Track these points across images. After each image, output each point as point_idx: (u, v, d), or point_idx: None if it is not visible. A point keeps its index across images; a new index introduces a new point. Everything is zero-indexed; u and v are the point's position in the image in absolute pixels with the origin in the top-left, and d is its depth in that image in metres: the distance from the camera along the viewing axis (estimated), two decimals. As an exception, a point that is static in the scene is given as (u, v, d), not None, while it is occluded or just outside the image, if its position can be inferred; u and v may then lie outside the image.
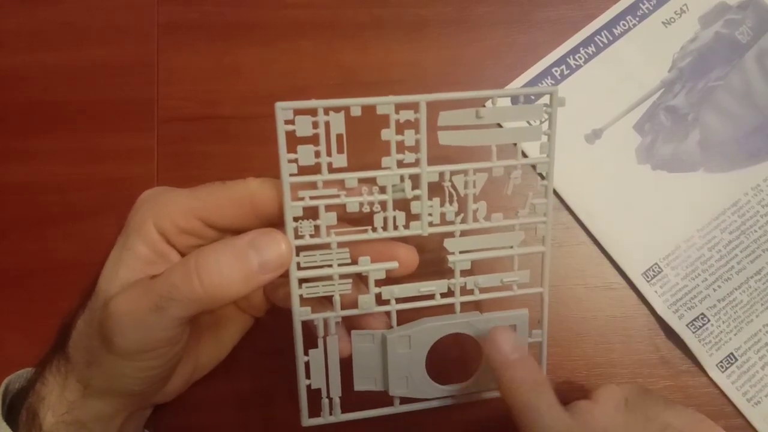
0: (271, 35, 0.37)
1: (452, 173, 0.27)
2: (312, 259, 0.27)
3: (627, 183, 0.37)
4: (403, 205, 0.27)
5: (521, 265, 0.29)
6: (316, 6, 0.38)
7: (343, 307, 0.28)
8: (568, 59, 0.38)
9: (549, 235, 0.29)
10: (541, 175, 0.29)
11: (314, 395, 0.29)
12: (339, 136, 0.26)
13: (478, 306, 0.30)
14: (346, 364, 0.29)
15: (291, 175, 0.26)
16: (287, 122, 0.25)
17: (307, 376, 0.28)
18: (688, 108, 0.38)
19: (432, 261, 0.31)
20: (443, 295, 0.29)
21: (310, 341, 0.28)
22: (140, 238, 0.27)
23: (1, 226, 0.36)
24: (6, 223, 0.36)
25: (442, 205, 0.28)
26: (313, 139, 0.26)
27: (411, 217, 0.28)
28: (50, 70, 0.37)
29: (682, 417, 0.28)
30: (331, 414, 0.29)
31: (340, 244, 0.27)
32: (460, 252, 0.29)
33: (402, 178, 0.27)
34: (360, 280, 0.29)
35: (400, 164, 0.27)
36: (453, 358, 0.31)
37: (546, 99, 0.28)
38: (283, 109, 0.25)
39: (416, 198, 0.27)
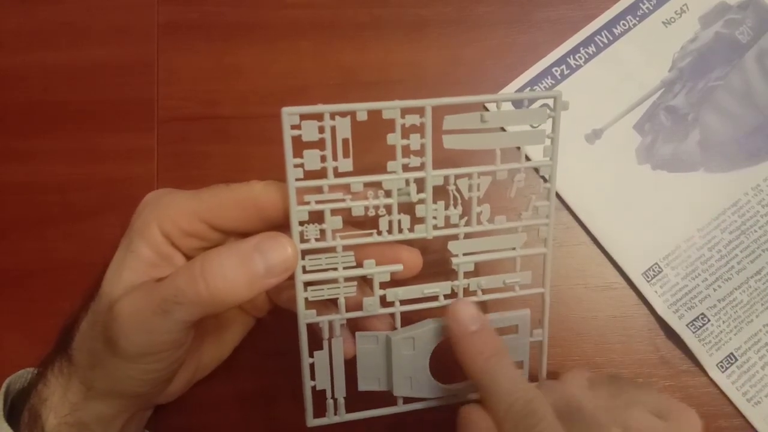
0: (271, 35, 0.37)
1: (457, 177, 0.27)
2: (317, 263, 0.27)
3: (627, 183, 0.37)
4: (407, 208, 0.27)
5: (523, 266, 0.30)
6: (316, 6, 0.38)
7: (347, 310, 0.28)
8: (568, 59, 0.38)
9: (551, 237, 0.29)
10: (543, 178, 0.29)
11: (319, 396, 0.29)
12: (345, 141, 0.26)
13: (480, 307, 0.30)
14: (350, 365, 0.29)
15: (297, 179, 0.26)
16: (293, 127, 0.25)
17: (312, 378, 0.28)
18: (688, 108, 0.38)
19: (435, 263, 0.31)
20: (447, 297, 0.29)
21: (315, 343, 0.28)
22: (144, 241, 0.27)
23: (1, 226, 0.36)
24: (6, 223, 0.36)
25: (446, 208, 0.28)
26: (319, 144, 0.26)
27: (416, 220, 0.28)
28: (50, 70, 0.37)
29: (653, 396, 0.28)
30: (335, 414, 0.29)
31: (346, 248, 0.27)
32: (464, 254, 0.29)
33: (407, 182, 0.27)
34: (364, 282, 0.29)
35: (406, 168, 0.27)
36: (456, 358, 0.31)
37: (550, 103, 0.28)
38: (290, 114, 0.25)
39: (421, 201, 0.27)
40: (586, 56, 0.38)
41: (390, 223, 0.27)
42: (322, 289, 0.27)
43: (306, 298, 0.27)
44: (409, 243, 0.29)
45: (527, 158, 0.28)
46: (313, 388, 0.28)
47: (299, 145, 0.25)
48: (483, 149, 0.28)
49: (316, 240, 0.27)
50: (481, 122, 0.27)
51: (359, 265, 0.28)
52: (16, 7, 0.37)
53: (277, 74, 0.37)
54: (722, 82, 0.38)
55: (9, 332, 0.35)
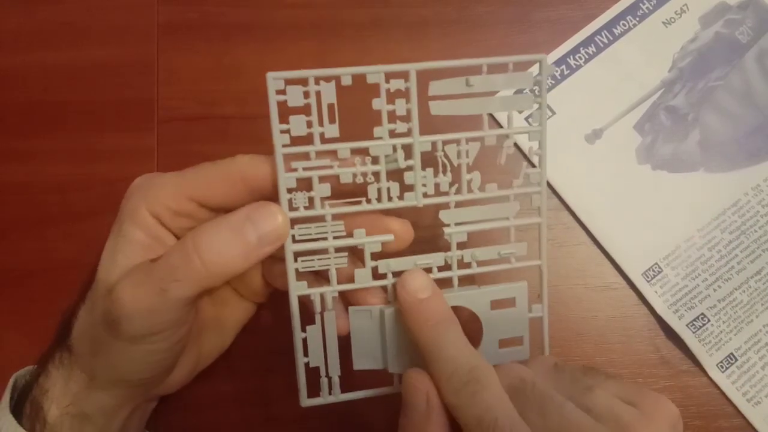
0: (271, 35, 0.37)
1: (444, 143, 0.27)
2: (307, 232, 0.27)
3: (627, 183, 0.37)
4: (397, 176, 0.27)
5: (518, 238, 0.29)
6: (316, 6, 0.38)
7: (339, 284, 0.28)
8: (568, 59, 0.38)
9: (545, 206, 0.29)
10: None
11: (313, 375, 0.28)
12: (330, 106, 0.26)
13: (475, 280, 0.30)
14: (346, 347, 0.29)
15: (284, 146, 0.26)
16: (278, 92, 0.25)
17: (305, 354, 0.28)
18: (688, 108, 0.38)
19: (427, 239, 0.30)
20: (440, 269, 0.28)
21: (308, 320, 0.28)
22: (135, 224, 0.27)
23: (1, 226, 0.36)
24: (6, 223, 0.36)
25: (435, 175, 0.27)
26: (305, 110, 0.26)
27: (405, 188, 0.27)
28: (50, 70, 0.37)
29: (623, 385, 0.26)
30: (330, 394, 0.28)
31: (335, 217, 0.27)
32: (456, 224, 0.28)
33: (394, 148, 0.27)
34: (355, 256, 0.29)
35: (393, 134, 0.27)
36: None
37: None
38: (275, 78, 0.25)
39: (409, 168, 0.27)
40: (586, 56, 0.38)
41: (379, 191, 0.27)
42: (313, 260, 0.27)
43: (297, 269, 0.27)
44: (399, 212, 0.28)
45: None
46: (307, 365, 0.28)
47: (285, 112, 0.26)
48: (470, 115, 0.27)
49: (305, 208, 0.27)
50: (467, 86, 0.27)
51: (349, 235, 0.27)
52: (16, 7, 0.37)
53: (277, 74, 0.37)
54: (722, 82, 0.38)
55: (9, 332, 0.35)
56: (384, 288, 0.29)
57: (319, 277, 0.29)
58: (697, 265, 0.36)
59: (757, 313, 0.36)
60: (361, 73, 0.26)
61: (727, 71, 0.38)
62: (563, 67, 0.38)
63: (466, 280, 0.29)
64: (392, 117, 0.27)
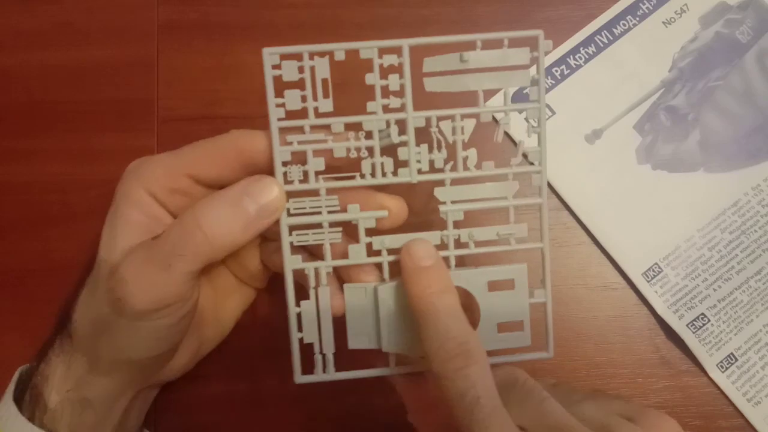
0: (271, 35, 0.37)
1: (439, 119, 0.27)
2: (301, 206, 0.27)
3: (627, 183, 0.37)
4: (391, 153, 0.27)
5: (518, 221, 0.28)
6: (316, 6, 0.38)
7: (333, 260, 0.28)
8: (568, 59, 0.38)
9: (545, 185, 0.28)
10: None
11: (307, 352, 0.28)
12: (324, 81, 0.26)
13: (473, 263, 0.29)
14: (341, 326, 0.28)
15: (279, 119, 0.26)
16: (274, 67, 0.26)
17: (299, 329, 0.28)
18: (688, 108, 0.38)
19: (422, 223, 0.29)
20: (437, 248, 0.28)
21: (303, 296, 0.28)
22: (132, 205, 0.27)
23: (1, 226, 0.36)
24: (6, 223, 0.36)
25: (430, 151, 0.27)
26: (300, 84, 0.26)
27: (399, 163, 0.27)
28: (50, 70, 0.37)
29: (624, 403, 0.26)
30: (324, 371, 0.28)
31: (329, 191, 0.27)
32: (452, 202, 0.28)
33: (388, 123, 0.27)
34: (350, 235, 0.29)
35: (386, 109, 0.27)
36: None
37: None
38: (271, 54, 0.26)
39: (403, 144, 0.27)
40: (586, 56, 0.38)
41: (373, 166, 0.27)
42: (307, 234, 0.27)
43: (291, 243, 0.27)
44: (393, 189, 0.28)
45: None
46: (301, 341, 0.28)
47: (281, 86, 0.26)
48: (466, 91, 0.27)
49: (300, 182, 0.27)
50: (461, 62, 0.27)
51: (343, 210, 0.28)
52: (16, 7, 0.37)
53: (277, 74, 0.37)
54: (722, 82, 0.38)
55: (9, 332, 0.35)
56: (378, 266, 0.29)
57: (314, 257, 0.29)
58: (697, 265, 0.36)
59: (757, 313, 0.36)
60: (354, 49, 0.26)
61: (727, 71, 0.38)
62: (563, 67, 0.38)
63: (463, 264, 0.29)
64: (386, 92, 0.27)
